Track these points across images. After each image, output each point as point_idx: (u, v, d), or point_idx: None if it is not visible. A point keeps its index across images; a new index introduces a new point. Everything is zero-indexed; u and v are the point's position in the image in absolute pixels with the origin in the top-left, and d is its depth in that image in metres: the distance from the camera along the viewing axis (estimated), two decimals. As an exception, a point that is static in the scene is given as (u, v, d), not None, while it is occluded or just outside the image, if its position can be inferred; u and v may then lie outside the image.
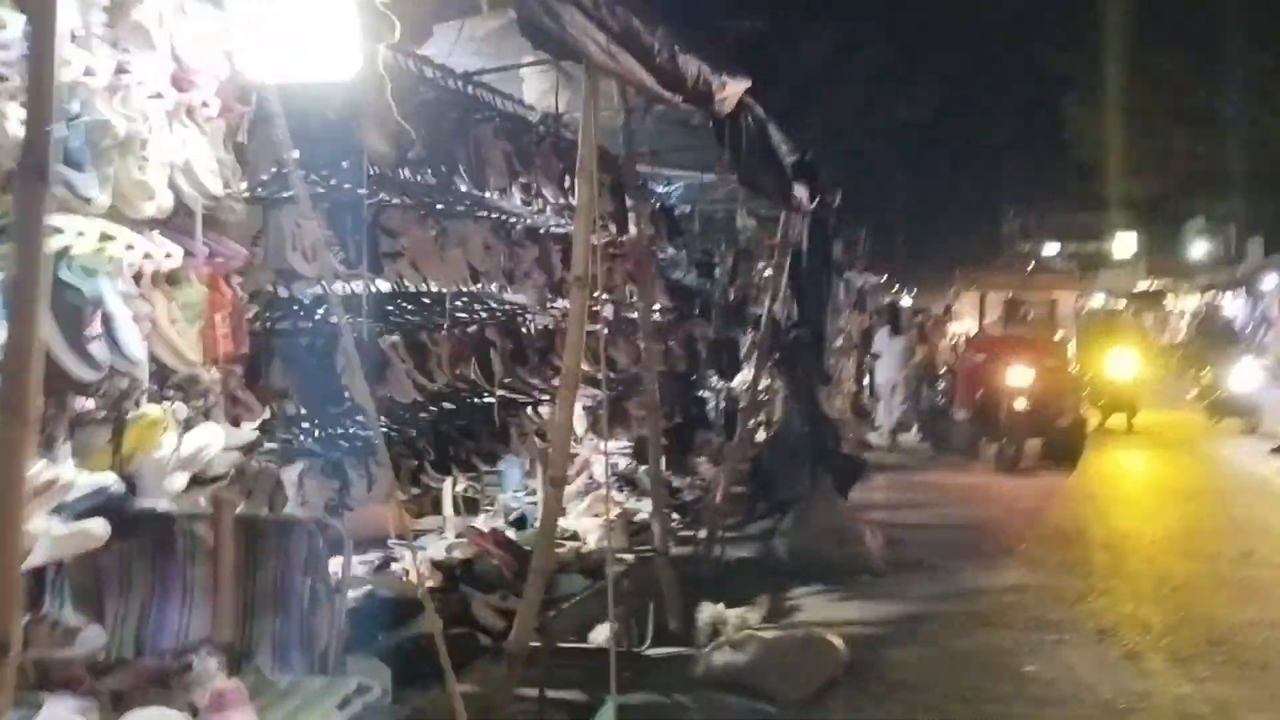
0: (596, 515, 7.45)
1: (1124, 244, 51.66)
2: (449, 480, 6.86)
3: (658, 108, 7.60)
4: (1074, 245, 63.40)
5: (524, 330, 6.53)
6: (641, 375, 8.23)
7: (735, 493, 9.88)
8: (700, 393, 9.79)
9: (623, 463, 9.06)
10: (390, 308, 5.13)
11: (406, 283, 5.25)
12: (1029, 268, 20.19)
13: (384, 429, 4.63)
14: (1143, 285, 45.12)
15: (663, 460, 9.15)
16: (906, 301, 42.55)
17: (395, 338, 5.12)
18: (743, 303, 10.01)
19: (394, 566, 5.61)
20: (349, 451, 4.55)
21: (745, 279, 10.04)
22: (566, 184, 6.93)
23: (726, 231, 10.07)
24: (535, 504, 7.90)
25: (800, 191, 8.16)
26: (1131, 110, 31.65)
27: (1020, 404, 14.15)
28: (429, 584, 5.32)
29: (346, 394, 4.41)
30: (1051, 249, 65.77)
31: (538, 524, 7.30)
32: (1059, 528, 10.79)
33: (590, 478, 8.33)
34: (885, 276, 39.02)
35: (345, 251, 4.52)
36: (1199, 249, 44.86)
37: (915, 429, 17.19)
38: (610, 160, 8.04)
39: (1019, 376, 14.39)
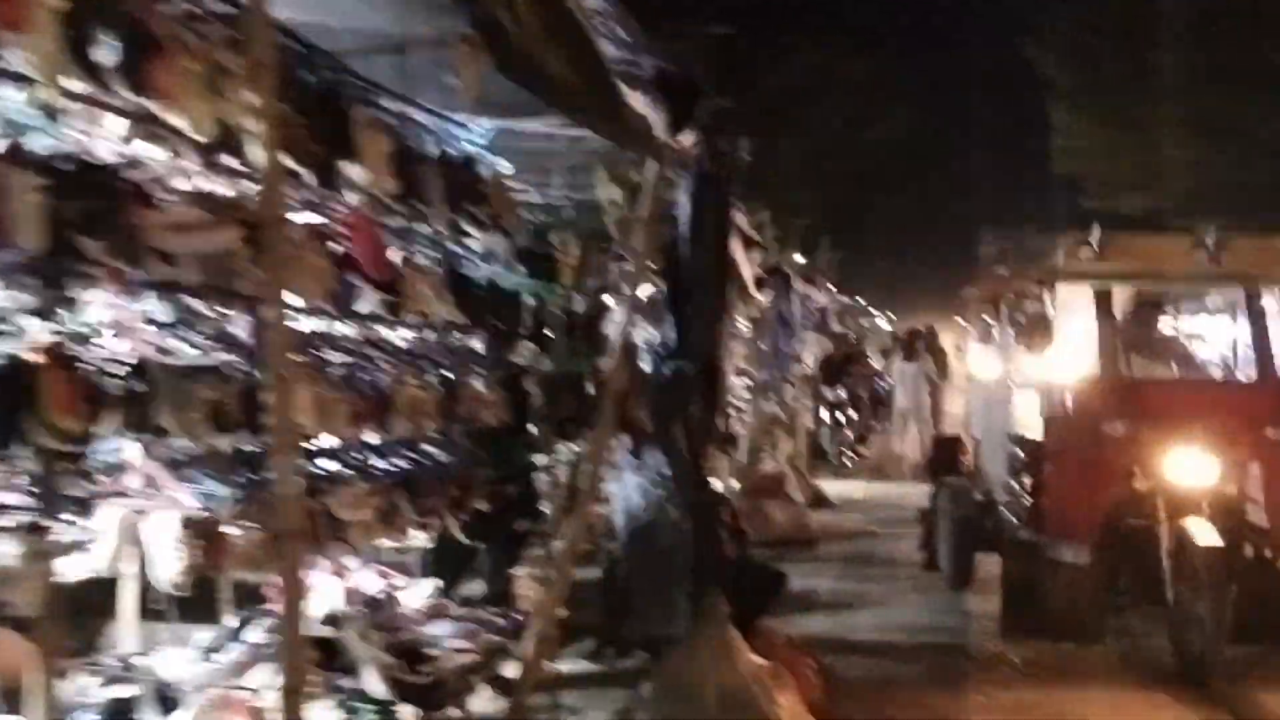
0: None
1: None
2: None
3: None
4: (1052, 269, 59.76)
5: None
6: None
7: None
8: (532, 460, 5.91)
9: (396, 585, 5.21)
10: None
11: None
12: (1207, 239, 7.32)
13: None
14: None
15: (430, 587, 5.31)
16: (884, 324, 38.90)
17: None
18: (599, 318, 6.12)
19: None
20: None
21: (605, 280, 6.15)
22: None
23: (578, 207, 6.21)
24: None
25: (651, 114, 4.30)
26: (1120, 120, 27.87)
27: (1203, 532, 6.19)
28: None
29: None
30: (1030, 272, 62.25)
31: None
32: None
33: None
34: (862, 300, 35.49)
35: None
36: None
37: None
38: (303, 55, 4.23)
39: (1198, 470, 6.47)
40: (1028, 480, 7.47)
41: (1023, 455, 7.66)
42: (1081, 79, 28.19)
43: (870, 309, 36.29)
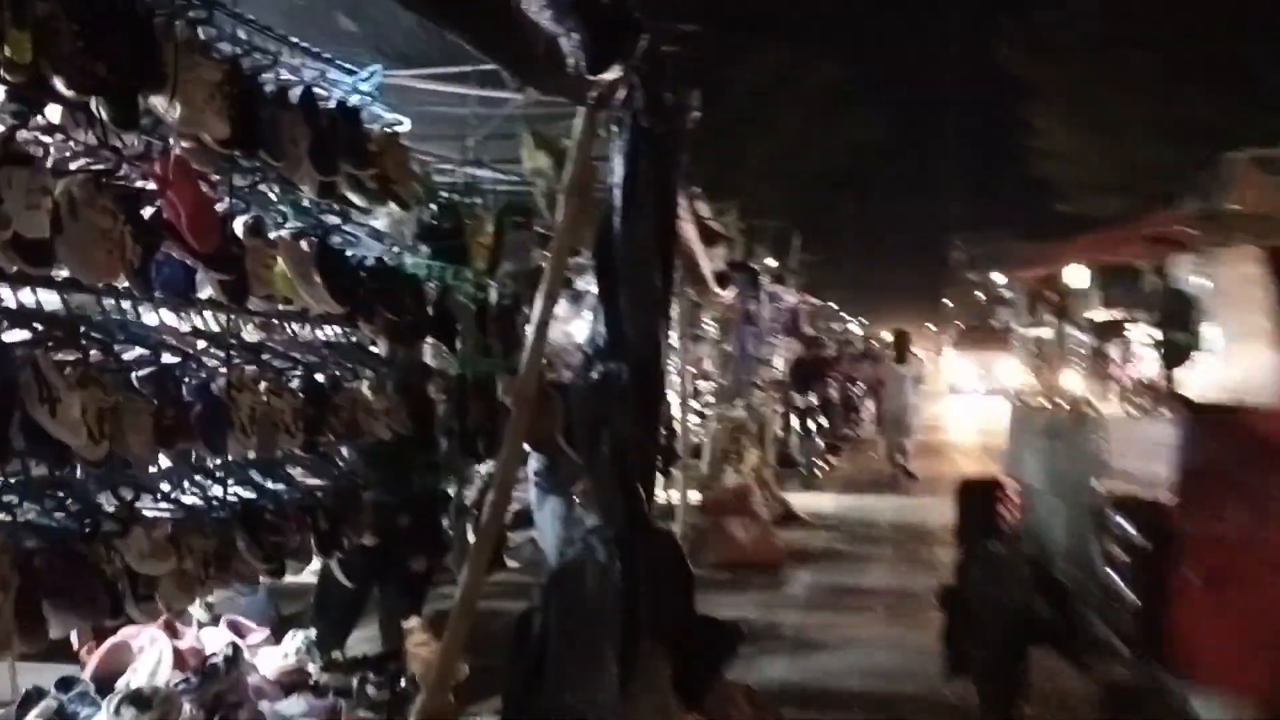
0: None
1: (1076, 274, 47.25)
2: None
3: None
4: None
5: None
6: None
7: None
8: (433, 482, 4.79)
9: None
10: None
11: None
12: None
13: None
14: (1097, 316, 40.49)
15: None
16: (855, 329, 38.02)
17: None
18: (518, 309, 5.01)
19: None
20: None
21: (524, 264, 5.05)
22: None
23: (495, 177, 5.10)
24: None
25: (564, 38, 3.21)
26: (1093, 122, 27.01)
27: None
28: None
29: None
30: (1000, 277, 61.59)
31: None
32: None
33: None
34: (833, 303, 34.55)
35: None
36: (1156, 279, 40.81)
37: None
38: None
39: None
40: (1138, 573, 4.30)
41: (1129, 529, 4.39)
42: (1054, 80, 27.31)
43: (842, 313, 35.45)
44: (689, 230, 6.08)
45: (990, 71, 31.46)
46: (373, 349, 4.60)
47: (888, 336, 20.83)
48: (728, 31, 27.26)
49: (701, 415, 12.52)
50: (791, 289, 15.80)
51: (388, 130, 4.39)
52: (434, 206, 4.69)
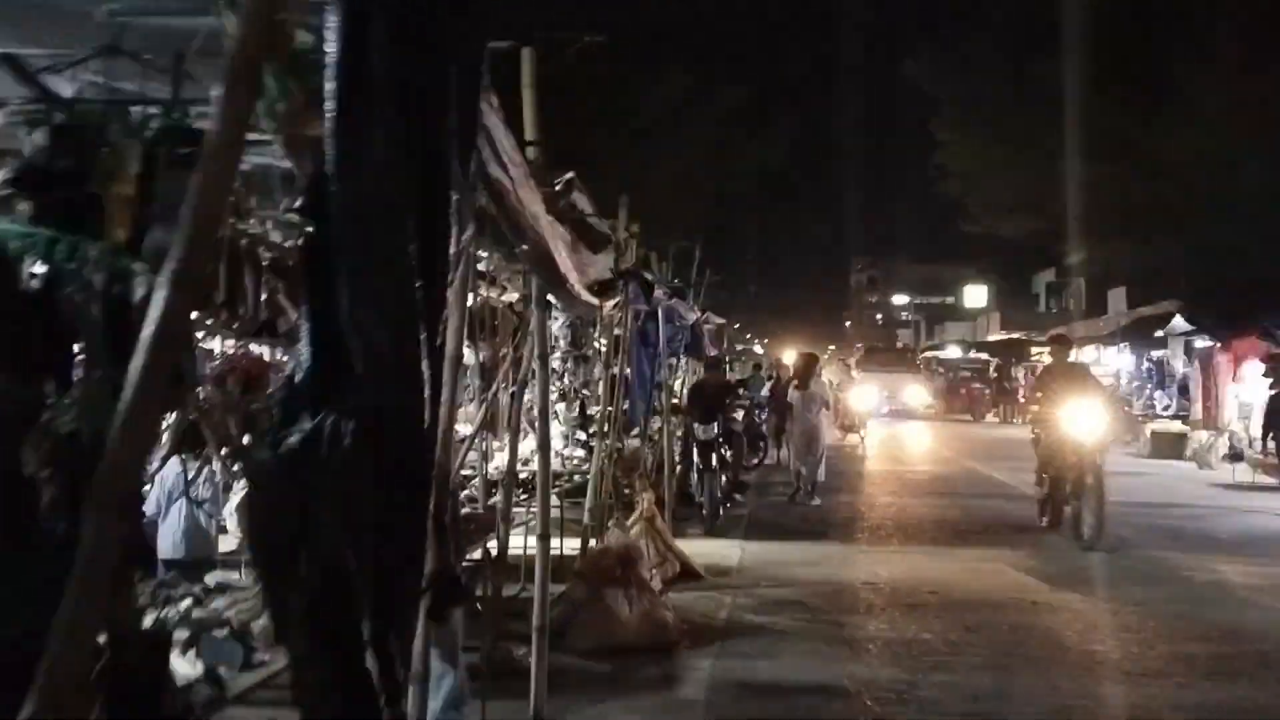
0: None
1: (975, 295, 46.85)
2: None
3: None
4: (920, 298, 58.54)
5: None
6: None
7: None
8: (22, 633, 2.68)
9: None
10: None
11: None
12: None
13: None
14: (997, 337, 39.64)
15: None
16: (758, 349, 36.36)
17: None
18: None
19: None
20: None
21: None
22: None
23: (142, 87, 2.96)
24: None
25: None
26: (1003, 140, 25.78)
27: None
28: None
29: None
30: (900, 300, 61.00)
31: None
32: None
33: None
34: (738, 325, 32.92)
35: None
36: (1051, 301, 40.51)
37: None
38: None
39: None
40: None
41: None
42: (959, 93, 25.99)
43: (745, 335, 33.77)
44: (534, 204, 4.03)
45: (898, 89, 30.20)
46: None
47: (791, 357, 19.24)
48: (632, 48, 25.50)
49: (587, 448, 10.47)
50: (693, 307, 13.88)
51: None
52: (39, 134, 2.54)
